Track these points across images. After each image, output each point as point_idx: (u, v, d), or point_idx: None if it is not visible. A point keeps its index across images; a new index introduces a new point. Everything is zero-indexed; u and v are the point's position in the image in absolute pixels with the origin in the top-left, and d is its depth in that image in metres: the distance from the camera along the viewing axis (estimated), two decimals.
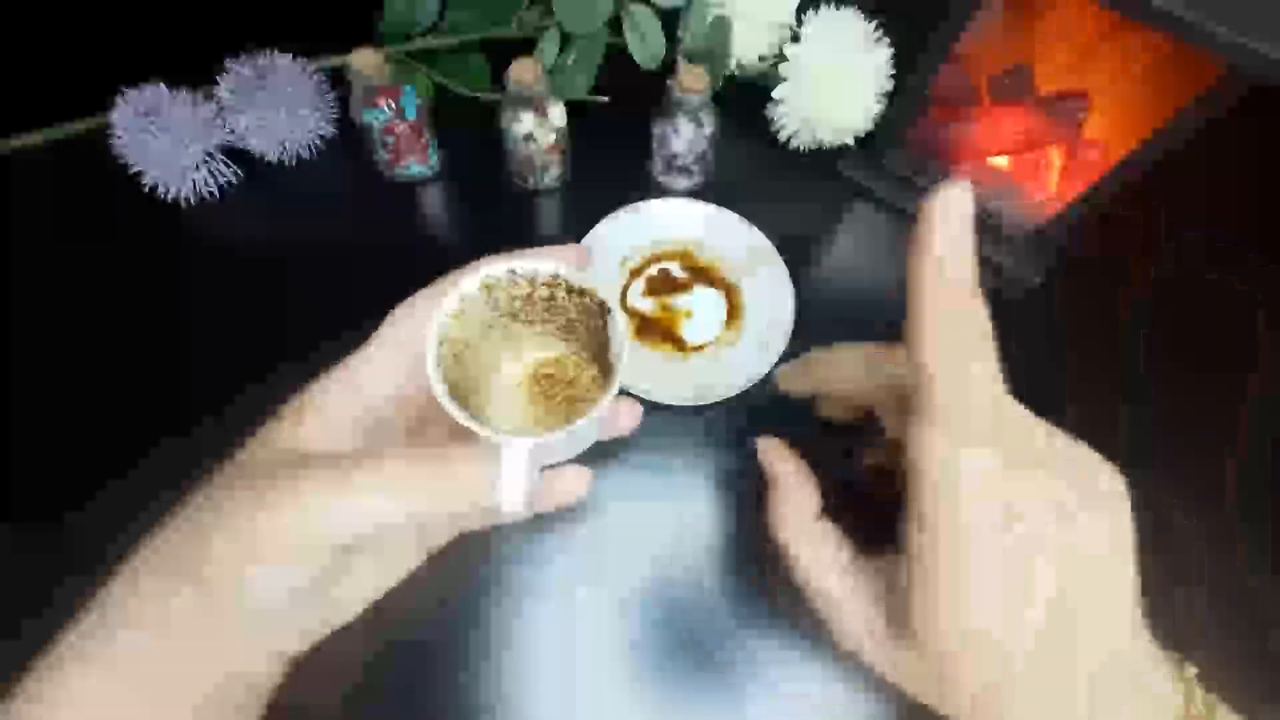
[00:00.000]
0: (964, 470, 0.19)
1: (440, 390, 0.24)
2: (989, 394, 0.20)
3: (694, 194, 0.46)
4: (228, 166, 0.43)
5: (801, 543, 0.26)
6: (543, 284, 0.29)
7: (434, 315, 0.26)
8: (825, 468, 0.29)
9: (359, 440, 0.26)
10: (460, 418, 0.24)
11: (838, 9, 0.44)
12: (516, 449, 0.23)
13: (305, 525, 0.22)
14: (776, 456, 0.28)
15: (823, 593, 0.24)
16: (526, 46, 0.45)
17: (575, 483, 0.30)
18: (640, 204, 0.44)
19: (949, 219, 0.19)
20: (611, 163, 0.47)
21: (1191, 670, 0.21)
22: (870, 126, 0.46)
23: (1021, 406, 0.22)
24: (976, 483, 0.19)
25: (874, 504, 0.28)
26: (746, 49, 0.46)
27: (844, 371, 0.29)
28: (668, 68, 0.44)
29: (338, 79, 0.44)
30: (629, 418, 0.33)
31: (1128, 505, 0.21)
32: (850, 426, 0.33)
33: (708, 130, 0.43)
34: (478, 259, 0.28)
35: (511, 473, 0.23)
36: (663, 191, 0.46)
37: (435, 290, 0.28)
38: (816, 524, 0.26)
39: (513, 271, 0.28)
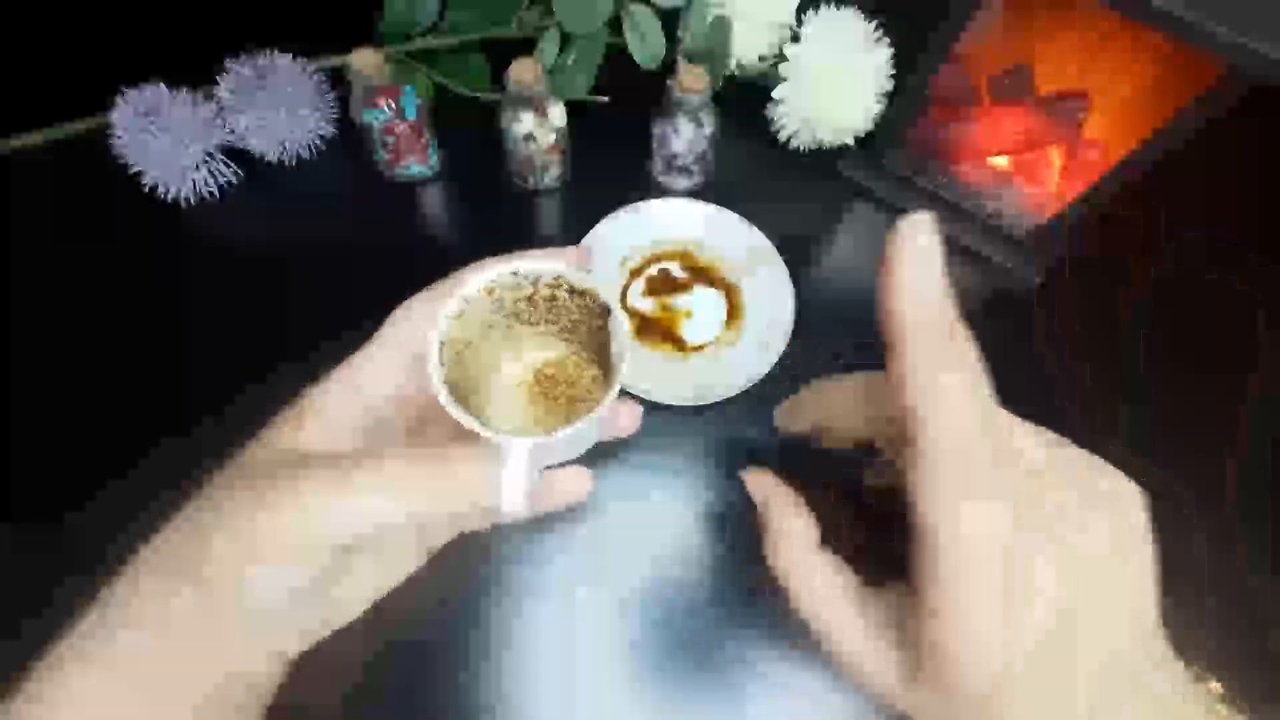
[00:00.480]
0: (966, 526, 0.18)
1: (442, 392, 0.24)
2: (983, 431, 0.18)
3: (694, 194, 0.46)
4: (228, 166, 0.43)
5: (800, 576, 0.24)
6: (545, 285, 0.29)
7: (437, 316, 0.26)
8: (826, 488, 0.28)
9: (359, 441, 0.26)
10: (461, 418, 0.24)
11: (838, 9, 0.44)
12: (517, 449, 0.23)
13: (305, 525, 0.22)
14: (767, 488, 0.26)
15: (825, 626, 0.23)
16: (526, 46, 0.45)
17: (576, 484, 0.30)
18: (640, 204, 0.44)
19: (914, 249, 0.18)
20: (611, 163, 0.47)
21: (1215, 686, 0.21)
22: (870, 126, 0.46)
23: (1017, 421, 0.21)
24: (982, 532, 0.18)
25: (880, 525, 0.27)
26: (746, 49, 0.46)
27: (841, 406, 0.26)
28: (668, 68, 0.44)
29: (338, 79, 0.44)
30: (629, 419, 0.33)
31: (1133, 506, 0.20)
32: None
33: (708, 130, 0.43)
34: (478, 259, 0.28)
35: (512, 473, 0.23)
36: (663, 191, 0.46)
37: (436, 291, 0.28)
38: (816, 555, 0.24)
39: (516, 273, 0.28)
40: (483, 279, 0.27)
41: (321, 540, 0.22)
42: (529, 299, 0.30)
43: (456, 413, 0.24)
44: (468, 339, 0.28)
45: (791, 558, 0.24)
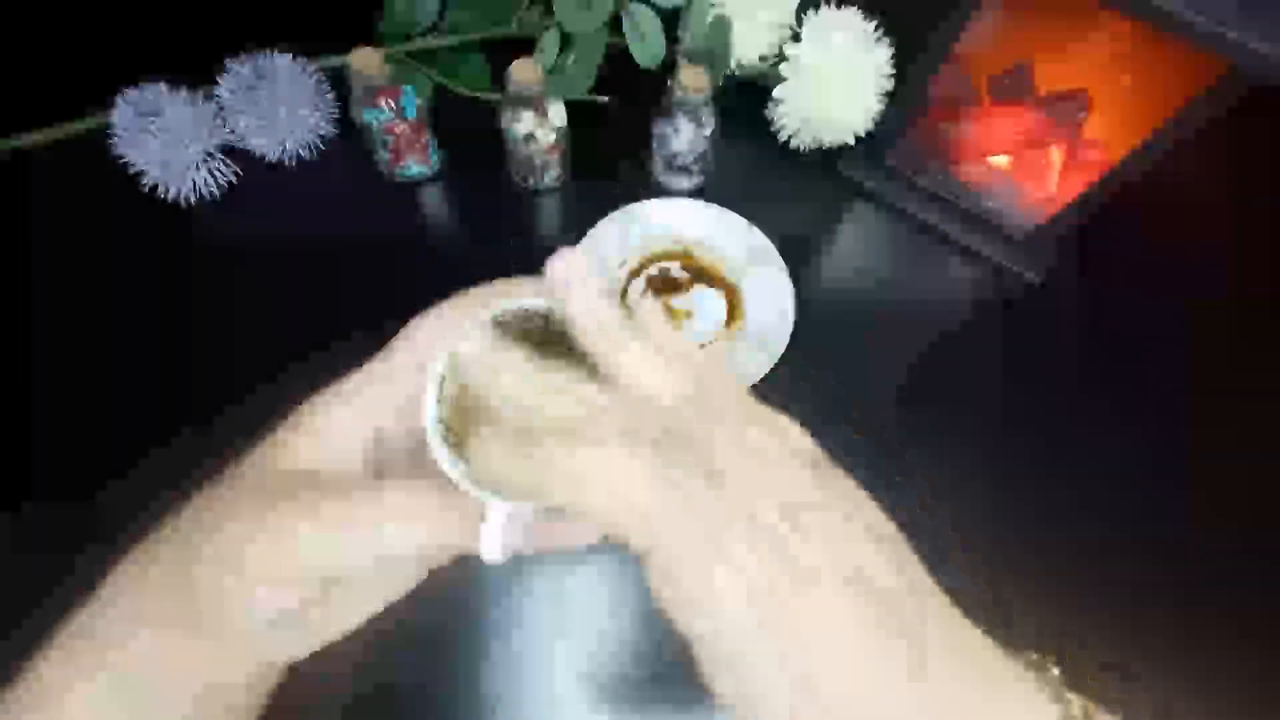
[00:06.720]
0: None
1: (432, 432, 0.22)
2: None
3: (694, 194, 0.46)
4: (228, 166, 0.43)
5: None
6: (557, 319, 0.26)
7: (438, 355, 0.23)
8: None
9: (362, 460, 0.25)
10: (445, 467, 0.22)
11: (838, 9, 0.44)
12: (495, 509, 0.22)
13: (297, 556, 0.21)
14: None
15: None
16: (526, 46, 0.45)
17: (584, 528, 0.28)
18: (640, 204, 0.44)
19: None
20: (611, 163, 0.47)
21: (1054, 670, 0.21)
22: (870, 126, 0.46)
23: None
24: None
25: None
26: (746, 49, 0.46)
27: None
28: (668, 68, 0.44)
29: (338, 79, 0.44)
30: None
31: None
32: None
33: (708, 130, 0.43)
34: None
35: (490, 528, 0.22)
36: (663, 191, 0.46)
37: (457, 304, 0.25)
38: None
39: (524, 309, 0.24)
40: (495, 312, 0.23)
41: (314, 571, 0.22)
42: (543, 330, 0.28)
43: (442, 459, 0.22)
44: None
45: None
